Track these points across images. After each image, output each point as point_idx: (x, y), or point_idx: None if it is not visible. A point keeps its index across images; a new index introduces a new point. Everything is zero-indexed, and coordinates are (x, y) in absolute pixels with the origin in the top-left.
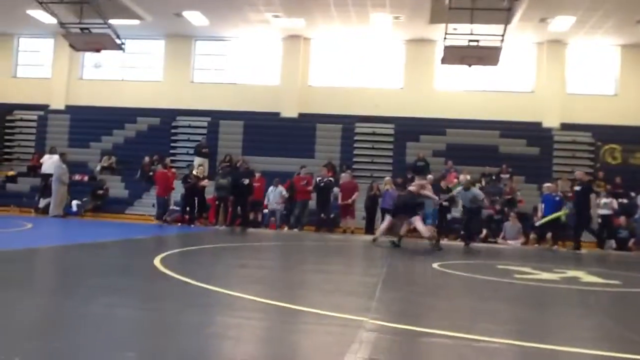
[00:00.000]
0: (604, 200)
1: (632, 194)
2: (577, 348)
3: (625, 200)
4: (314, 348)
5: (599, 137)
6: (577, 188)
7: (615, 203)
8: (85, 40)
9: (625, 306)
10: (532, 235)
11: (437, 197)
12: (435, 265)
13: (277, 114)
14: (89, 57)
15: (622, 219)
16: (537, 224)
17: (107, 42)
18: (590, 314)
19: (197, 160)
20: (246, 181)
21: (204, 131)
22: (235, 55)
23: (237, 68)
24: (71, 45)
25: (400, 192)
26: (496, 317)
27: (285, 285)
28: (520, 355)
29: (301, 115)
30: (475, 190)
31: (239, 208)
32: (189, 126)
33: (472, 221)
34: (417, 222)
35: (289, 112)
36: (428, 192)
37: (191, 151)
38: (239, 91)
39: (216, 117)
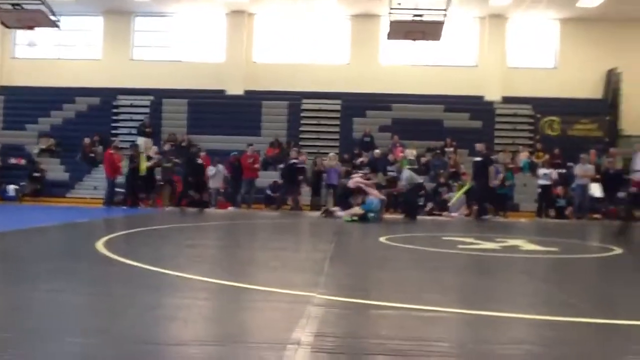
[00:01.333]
0: (543, 171)
1: (570, 164)
2: (519, 313)
3: (563, 171)
4: (263, 325)
5: (539, 109)
6: (476, 159)
7: (554, 173)
8: (18, 17)
9: (563, 272)
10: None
11: (376, 192)
12: (382, 239)
13: (222, 91)
14: (22, 35)
15: (560, 189)
16: (450, 203)
17: (41, 19)
18: (530, 281)
19: (141, 140)
20: (200, 161)
21: (147, 110)
22: (178, 32)
23: (180, 45)
24: (2, 23)
25: (342, 179)
26: (441, 287)
27: (233, 264)
28: (465, 322)
29: (247, 92)
30: (407, 172)
31: (186, 188)
32: (131, 105)
33: (412, 197)
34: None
35: (234, 89)
36: (366, 187)
37: (134, 131)
38: (182, 69)
39: (159, 95)
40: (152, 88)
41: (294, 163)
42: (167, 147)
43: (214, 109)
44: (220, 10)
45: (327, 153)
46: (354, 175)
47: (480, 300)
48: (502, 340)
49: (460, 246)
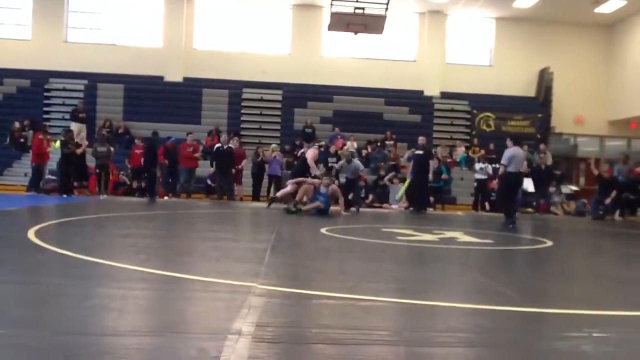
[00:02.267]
0: (479, 165)
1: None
2: (454, 303)
3: (498, 166)
4: (202, 315)
5: (475, 105)
6: (418, 152)
7: (490, 168)
8: None
9: (497, 263)
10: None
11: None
12: (323, 230)
13: (161, 77)
14: None
15: (495, 183)
16: (397, 197)
17: None
18: (466, 271)
19: (74, 125)
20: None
21: (81, 95)
22: (114, 14)
23: (117, 28)
24: None
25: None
26: (380, 277)
27: (171, 254)
28: (403, 311)
29: (186, 79)
30: (357, 162)
31: (123, 176)
32: (64, 89)
33: (354, 189)
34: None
35: (173, 76)
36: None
37: (67, 116)
38: (119, 52)
39: (94, 79)
40: (87, 72)
41: (219, 147)
42: (102, 133)
43: (152, 95)
44: None
45: (268, 143)
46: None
47: (418, 290)
48: (439, 328)
49: (400, 238)
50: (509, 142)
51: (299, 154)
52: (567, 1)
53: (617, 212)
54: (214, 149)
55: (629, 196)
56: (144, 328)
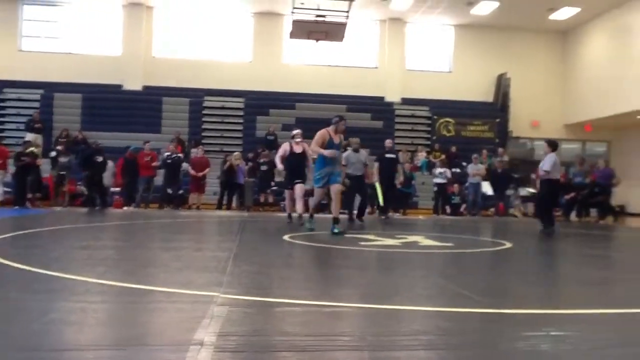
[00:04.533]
0: (439, 170)
1: (464, 164)
2: (417, 306)
3: (458, 170)
4: (163, 327)
5: (435, 111)
6: (387, 156)
7: (449, 172)
8: None
9: (457, 266)
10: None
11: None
12: (286, 237)
13: (119, 86)
14: None
15: (455, 187)
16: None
17: None
18: (427, 275)
19: (29, 136)
20: (99, 158)
21: (37, 105)
22: (71, 22)
23: (73, 36)
24: None
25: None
26: (344, 283)
27: (131, 265)
28: (367, 316)
29: (146, 87)
30: (364, 152)
31: (81, 187)
32: (19, 99)
33: (362, 190)
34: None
35: (132, 84)
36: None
37: (22, 126)
38: (76, 61)
39: (50, 89)
40: (43, 81)
41: (169, 156)
42: (59, 143)
43: (110, 105)
44: (116, 2)
45: (231, 151)
46: None
47: (381, 294)
48: (402, 332)
49: (362, 243)
50: (547, 148)
51: (262, 159)
52: (524, 8)
53: (574, 213)
54: (164, 159)
55: (586, 198)
56: (104, 341)
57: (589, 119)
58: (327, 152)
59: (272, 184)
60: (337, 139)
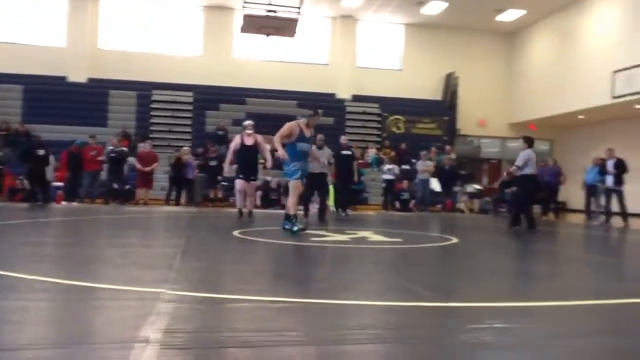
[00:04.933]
0: (387, 166)
1: (413, 161)
2: (365, 301)
3: (407, 167)
4: (108, 325)
5: (386, 108)
6: (343, 153)
7: (397, 169)
8: None
9: (406, 261)
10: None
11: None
12: (235, 233)
13: (63, 78)
14: None
15: (404, 183)
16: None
17: None
18: (376, 270)
19: None
20: (41, 152)
21: None
22: (11, 11)
23: (14, 26)
24: None
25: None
26: (293, 278)
27: (75, 262)
28: (315, 311)
29: (91, 80)
30: (328, 149)
31: (24, 181)
32: None
33: (323, 188)
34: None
35: (77, 76)
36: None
37: None
38: (17, 52)
39: None
40: None
41: (112, 150)
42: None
43: (54, 97)
44: None
45: (180, 146)
46: None
47: (330, 289)
48: (350, 326)
49: (312, 239)
50: (522, 144)
51: (211, 155)
52: (472, 9)
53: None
54: (108, 152)
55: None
56: (46, 340)
57: (533, 118)
58: (280, 153)
59: (219, 178)
60: (308, 133)
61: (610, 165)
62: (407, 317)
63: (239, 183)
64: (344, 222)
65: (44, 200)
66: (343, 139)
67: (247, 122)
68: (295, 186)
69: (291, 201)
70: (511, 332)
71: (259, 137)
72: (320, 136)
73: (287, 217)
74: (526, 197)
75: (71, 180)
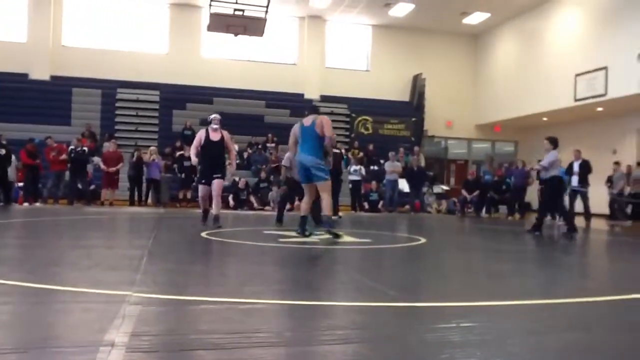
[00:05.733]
0: (353, 167)
1: (382, 162)
2: (333, 301)
3: (376, 167)
4: (71, 328)
5: (354, 109)
6: (335, 150)
7: (363, 170)
8: None
9: (374, 261)
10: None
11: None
12: (203, 234)
13: (25, 75)
14: None
15: (373, 184)
16: None
17: None
18: (344, 270)
19: None
20: (2, 151)
21: None
22: None
23: None
24: None
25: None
26: (261, 280)
27: (36, 264)
28: (284, 312)
29: (54, 77)
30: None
31: None
32: None
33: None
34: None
35: (39, 74)
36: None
37: None
38: None
39: None
40: None
41: (73, 150)
42: None
43: (15, 94)
44: None
45: (146, 146)
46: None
47: (298, 290)
48: (319, 327)
49: (281, 240)
50: (548, 145)
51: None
52: (438, 12)
53: (484, 210)
54: (69, 152)
55: (494, 195)
56: (5, 345)
57: (498, 120)
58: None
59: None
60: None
61: (576, 166)
62: (374, 317)
63: (201, 190)
64: (313, 223)
65: (5, 201)
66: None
67: (214, 116)
68: (328, 186)
69: (330, 202)
70: (476, 330)
71: (226, 134)
72: None
73: (323, 220)
74: (554, 200)
75: (30, 180)
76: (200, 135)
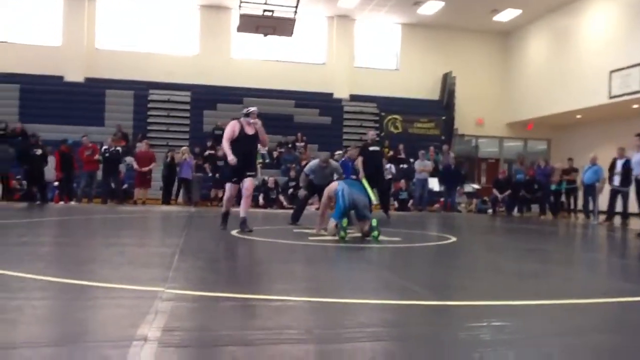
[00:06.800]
0: (385, 165)
1: (411, 160)
2: (362, 299)
3: (405, 166)
4: (105, 323)
5: (383, 108)
6: (371, 148)
7: (393, 168)
8: None
9: (404, 259)
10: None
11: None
12: (233, 232)
13: (60, 77)
14: None
15: (402, 183)
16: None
17: None
18: (374, 269)
19: None
20: (39, 152)
21: None
22: (8, 10)
23: (11, 25)
24: None
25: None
26: (292, 277)
27: (72, 261)
28: (314, 309)
29: (88, 79)
30: (335, 164)
31: (20, 181)
32: None
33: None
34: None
35: (74, 76)
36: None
37: None
38: (13, 51)
39: None
40: None
41: (106, 150)
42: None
43: (51, 97)
44: None
45: (177, 146)
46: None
47: (328, 288)
48: (348, 325)
49: (311, 238)
50: (639, 141)
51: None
52: (468, 9)
53: (515, 209)
54: (102, 152)
55: (525, 194)
56: (42, 339)
57: (530, 118)
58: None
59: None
60: None
61: (619, 165)
62: (404, 315)
63: (231, 188)
64: None
65: (42, 200)
66: (372, 134)
67: (254, 109)
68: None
69: None
70: (508, 330)
71: (259, 123)
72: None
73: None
74: None
75: (65, 179)
76: (234, 127)
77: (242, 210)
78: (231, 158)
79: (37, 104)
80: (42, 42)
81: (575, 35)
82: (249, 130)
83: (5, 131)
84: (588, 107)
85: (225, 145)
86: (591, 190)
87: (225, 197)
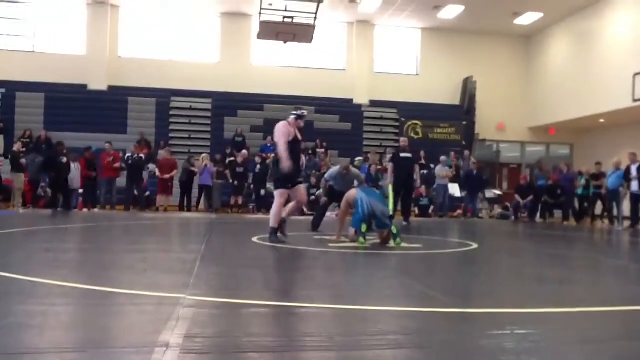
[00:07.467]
0: None
1: (432, 166)
2: (384, 306)
3: (425, 172)
4: (128, 329)
5: (403, 113)
6: (402, 155)
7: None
8: None
9: (424, 266)
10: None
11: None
12: (254, 239)
13: (84, 86)
14: None
15: (423, 189)
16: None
17: None
18: (395, 275)
19: None
20: (64, 159)
21: None
22: (34, 20)
23: (36, 34)
24: None
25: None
26: (313, 284)
27: (95, 267)
28: (334, 316)
29: (111, 87)
30: (355, 171)
31: (45, 188)
32: None
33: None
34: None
35: (97, 84)
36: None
37: None
38: (39, 60)
39: (11, 88)
40: (4, 80)
41: (129, 157)
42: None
43: (75, 105)
44: (79, 0)
45: (199, 153)
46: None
47: (349, 295)
48: (369, 332)
49: (331, 245)
50: None
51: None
52: (488, 13)
53: (538, 215)
54: (126, 159)
55: (548, 200)
56: (66, 344)
57: (552, 122)
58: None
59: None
60: None
61: (634, 169)
62: (426, 322)
63: (284, 195)
64: None
65: (66, 207)
66: (403, 141)
67: (305, 112)
68: None
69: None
70: (531, 337)
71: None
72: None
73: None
74: None
75: (88, 186)
76: (289, 130)
77: (285, 213)
78: (288, 164)
79: (62, 112)
80: (67, 52)
81: (598, 38)
82: (299, 134)
83: (30, 139)
84: (611, 111)
85: (284, 149)
86: (615, 196)
87: (275, 206)
